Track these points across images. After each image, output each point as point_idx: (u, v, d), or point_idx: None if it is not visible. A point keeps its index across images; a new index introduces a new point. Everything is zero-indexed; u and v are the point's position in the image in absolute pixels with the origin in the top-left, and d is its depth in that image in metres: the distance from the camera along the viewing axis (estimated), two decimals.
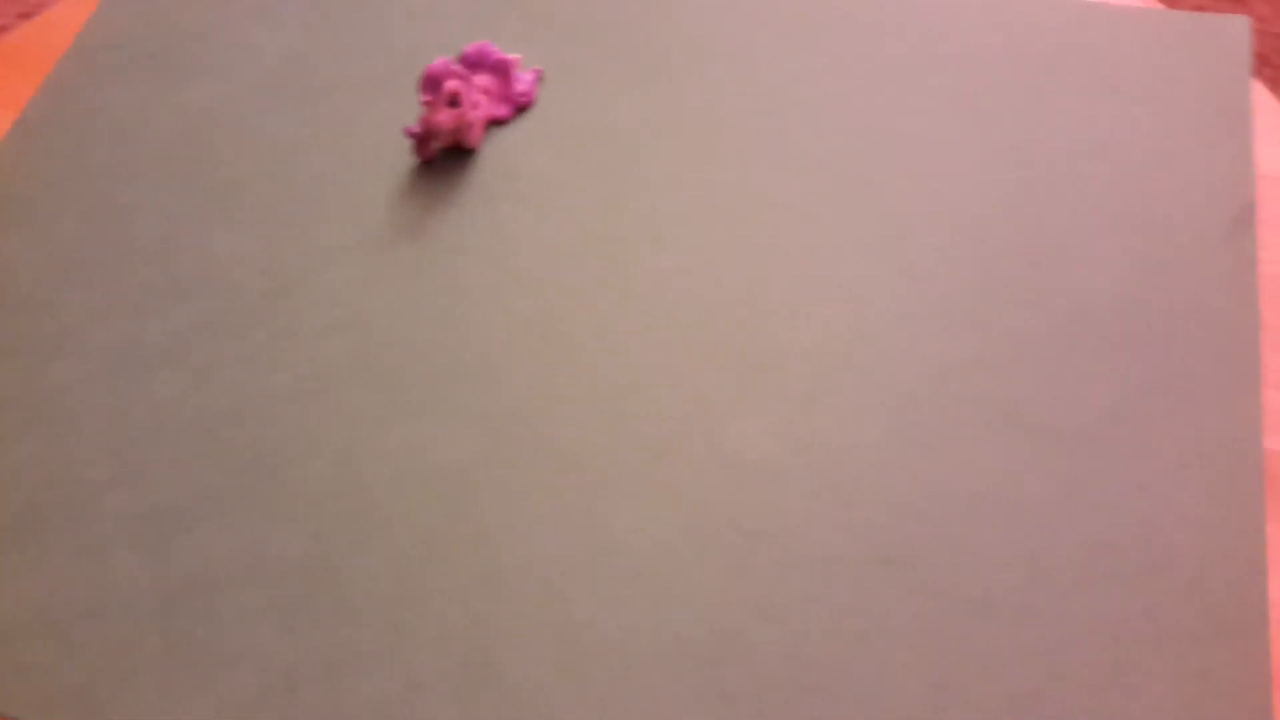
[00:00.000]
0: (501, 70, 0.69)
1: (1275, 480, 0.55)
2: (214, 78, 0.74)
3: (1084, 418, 0.56)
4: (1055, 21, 0.72)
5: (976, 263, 0.62)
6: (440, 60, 0.65)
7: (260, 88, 0.73)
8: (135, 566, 0.54)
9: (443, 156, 0.69)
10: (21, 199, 0.69)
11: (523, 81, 0.70)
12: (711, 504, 0.54)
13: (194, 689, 0.50)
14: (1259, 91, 0.70)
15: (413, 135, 0.67)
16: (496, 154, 0.69)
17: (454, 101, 0.65)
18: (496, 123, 0.70)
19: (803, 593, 0.52)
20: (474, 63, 0.69)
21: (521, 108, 0.70)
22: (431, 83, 0.65)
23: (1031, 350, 0.59)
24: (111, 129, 0.72)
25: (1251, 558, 0.51)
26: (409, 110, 0.71)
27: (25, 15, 1.28)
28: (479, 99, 0.68)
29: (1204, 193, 0.64)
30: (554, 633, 0.51)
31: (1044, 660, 0.49)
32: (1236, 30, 0.71)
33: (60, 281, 0.65)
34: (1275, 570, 0.52)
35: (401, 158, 0.69)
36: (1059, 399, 0.57)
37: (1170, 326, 0.59)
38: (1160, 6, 0.72)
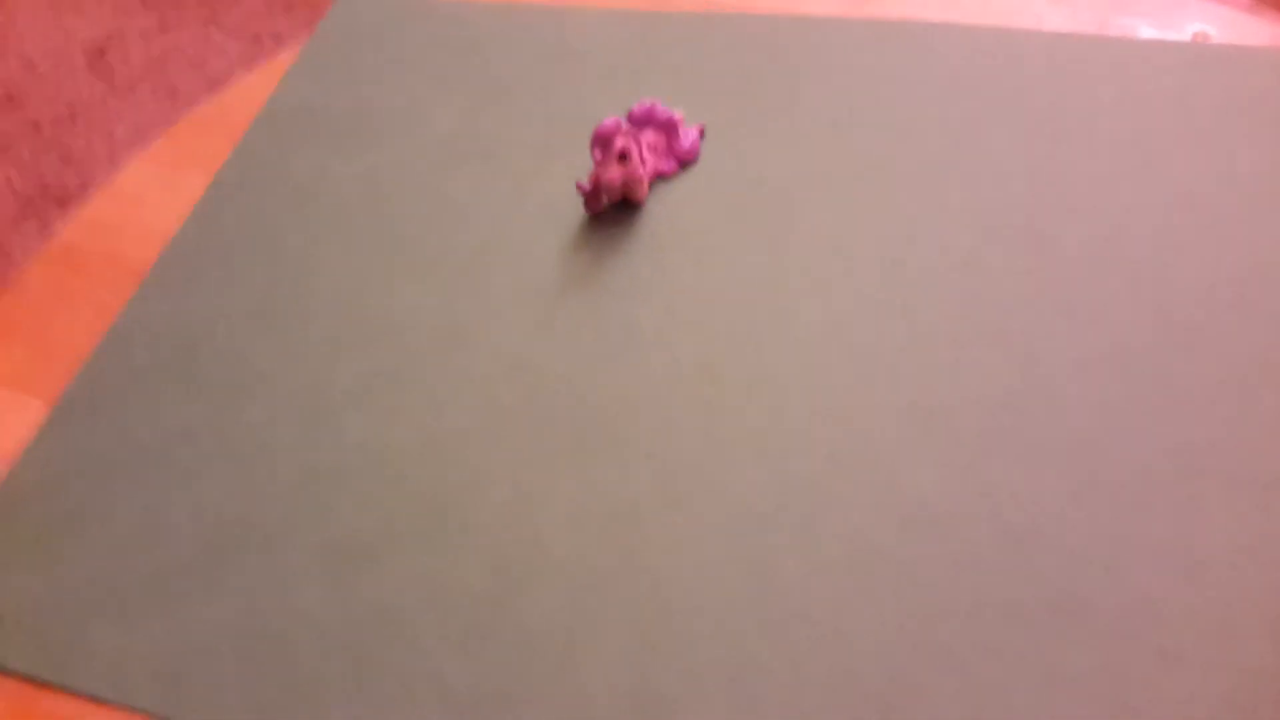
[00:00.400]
0: (668, 128, 0.72)
1: None
2: (392, 143, 0.78)
3: (1271, 467, 0.54)
4: (1220, 70, 0.71)
5: (1156, 309, 0.61)
6: (610, 119, 0.67)
7: (435, 152, 0.77)
8: (322, 596, 0.56)
9: (612, 210, 0.71)
10: (217, 254, 0.74)
11: (687, 138, 0.72)
12: (884, 549, 0.54)
13: (379, 713, 0.52)
14: None
15: (583, 190, 0.69)
16: (662, 206, 0.71)
17: (623, 158, 0.68)
18: (662, 177, 0.72)
19: (982, 641, 0.51)
20: (641, 121, 0.72)
21: (686, 163, 0.72)
22: (602, 140, 0.68)
23: (1216, 398, 0.57)
24: (297, 190, 0.77)
25: None
26: (580, 168, 0.74)
27: (214, 82, 1.36)
28: (647, 155, 0.70)
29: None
30: (724, 671, 0.51)
31: (1233, 712, 0.47)
32: None
33: (253, 330, 0.69)
34: None
35: (572, 212, 0.71)
36: (1244, 448, 0.55)
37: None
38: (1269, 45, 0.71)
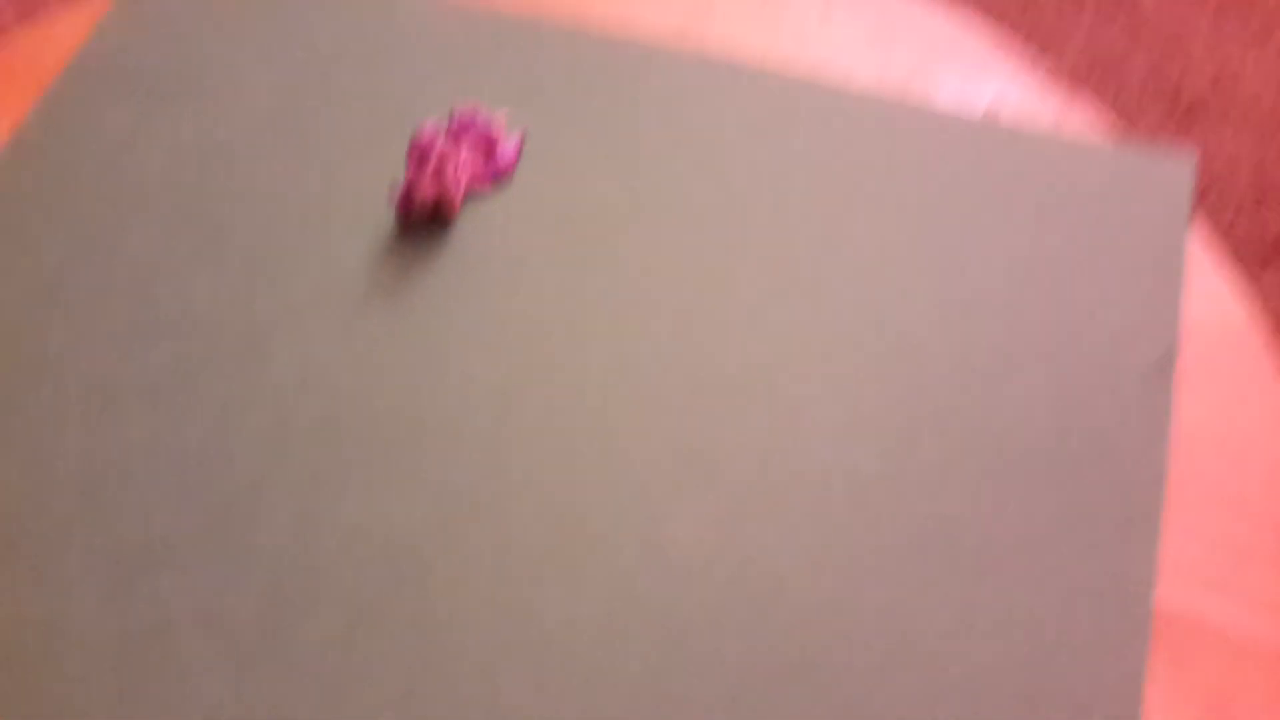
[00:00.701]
0: (487, 143, 0.73)
1: (1161, 631, 0.59)
2: (208, 110, 0.77)
3: (990, 544, 0.61)
4: (1005, 152, 0.76)
5: (906, 383, 0.66)
6: (429, 125, 0.68)
7: (251, 129, 0.76)
8: (95, 607, 0.57)
9: (422, 221, 0.72)
10: (10, 219, 0.72)
11: (505, 154, 0.73)
12: (641, 596, 0.59)
13: None
14: (1195, 235, 0.74)
15: (396, 201, 0.70)
16: (474, 225, 0.72)
17: (438, 173, 0.69)
18: (476, 193, 0.73)
19: (710, 692, 0.56)
20: (462, 129, 0.72)
21: (500, 180, 0.74)
22: (419, 151, 0.68)
23: (946, 473, 0.63)
24: (104, 155, 0.75)
25: (1126, 705, 0.56)
26: (395, 167, 0.74)
27: (25, 14, 1.28)
28: (462, 171, 0.71)
29: (1129, 334, 0.69)
30: (485, 714, 0.55)
31: None
32: (1180, 171, 0.76)
33: (38, 307, 0.68)
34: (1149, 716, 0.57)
35: (383, 216, 0.72)
36: (968, 523, 0.61)
37: (1082, 462, 0.64)
38: (1109, 140, 0.76)
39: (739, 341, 0.68)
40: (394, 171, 0.74)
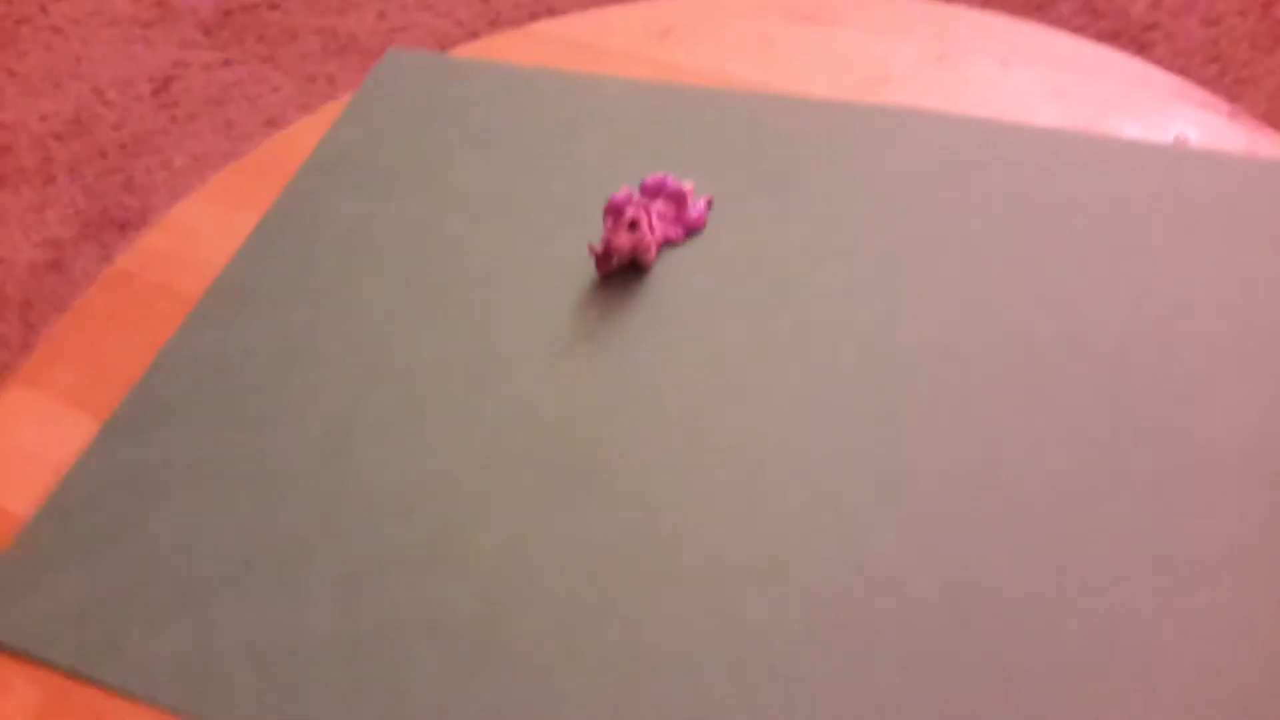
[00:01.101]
0: (677, 199, 0.78)
1: None
2: (428, 195, 0.85)
3: (1203, 552, 0.59)
4: (1197, 176, 0.76)
5: (1107, 398, 0.66)
6: (623, 190, 0.73)
7: (468, 206, 0.84)
8: (331, 613, 0.62)
9: (620, 272, 0.77)
10: (260, 291, 0.80)
11: (695, 209, 0.78)
12: (842, 604, 0.60)
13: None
14: None
15: (595, 253, 0.75)
16: (668, 272, 0.77)
17: (633, 226, 0.74)
18: (670, 244, 0.78)
19: (920, 692, 0.56)
20: (653, 191, 0.78)
21: (692, 231, 0.78)
22: (615, 210, 0.74)
23: (1153, 482, 0.62)
24: (337, 235, 0.83)
25: None
26: (593, 233, 0.80)
27: (271, 122, 1.44)
28: (656, 224, 0.76)
29: None
30: (688, 709, 0.57)
31: None
32: None
33: (286, 365, 0.75)
34: None
35: (584, 273, 0.77)
36: (1177, 531, 0.60)
37: None
38: None
39: (929, 366, 0.69)
40: (593, 236, 0.80)
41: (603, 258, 0.76)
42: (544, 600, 0.62)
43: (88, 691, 0.62)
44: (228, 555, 0.66)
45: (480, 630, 0.61)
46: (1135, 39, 1.51)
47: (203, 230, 0.87)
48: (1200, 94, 0.82)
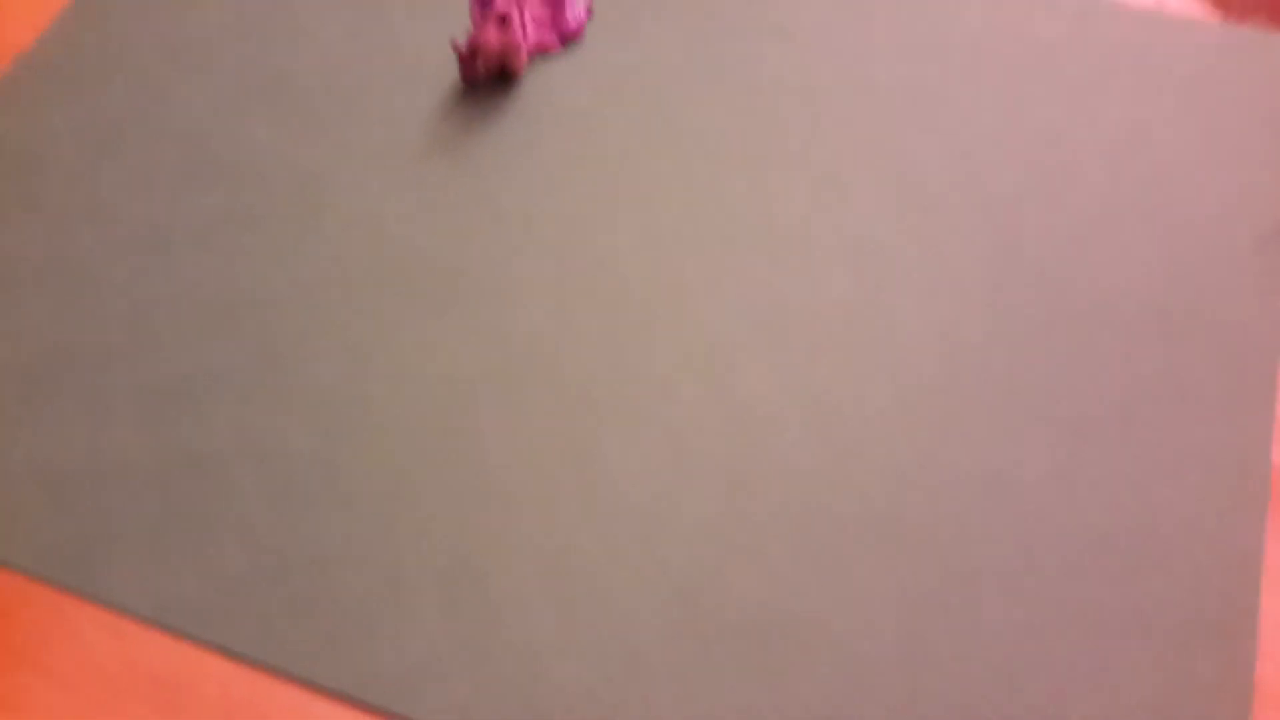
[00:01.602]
0: (554, 2, 0.69)
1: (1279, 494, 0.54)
2: None
3: (1092, 410, 0.56)
4: (1114, 26, 0.72)
5: (1000, 243, 0.62)
6: None
7: None
8: (138, 434, 0.55)
9: (487, 81, 0.69)
10: (73, 71, 0.70)
11: (573, 15, 0.70)
12: (709, 447, 0.55)
13: (182, 556, 0.51)
14: None
15: (459, 51, 0.67)
16: (539, 84, 0.69)
17: (503, 22, 0.66)
18: (544, 53, 0.70)
19: (785, 544, 0.52)
20: None
21: (569, 40, 0.70)
22: (483, 3, 0.65)
23: (1046, 336, 0.59)
24: (164, 16, 0.73)
25: (1245, 565, 0.52)
26: (461, 28, 0.71)
27: None
28: (529, 24, 0.68)
29: (1241, 204, 0.64)
30: (539, 551, 0.52)
31: (1025, 640, 0.49)
32: None
33: (99, 153, 0.66)
34: (1269, 584, 0.52)
35: (446, 74, 0.69)
36: (1069, 388, 0.57)
37: (1190, 329, 0.59)
38: (1221, 23, 0.72)
39: (818, 202, 0.64)
40: (458, 32, 0.71)
41: (468, 58, 0.67)
42: (386, 436, 0.55)
43: None
44: (17, 365, 0.57)
45: (313, 464, 0.54)
46: None
47: (7, 6, 0.75)
48: None
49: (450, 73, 0.69)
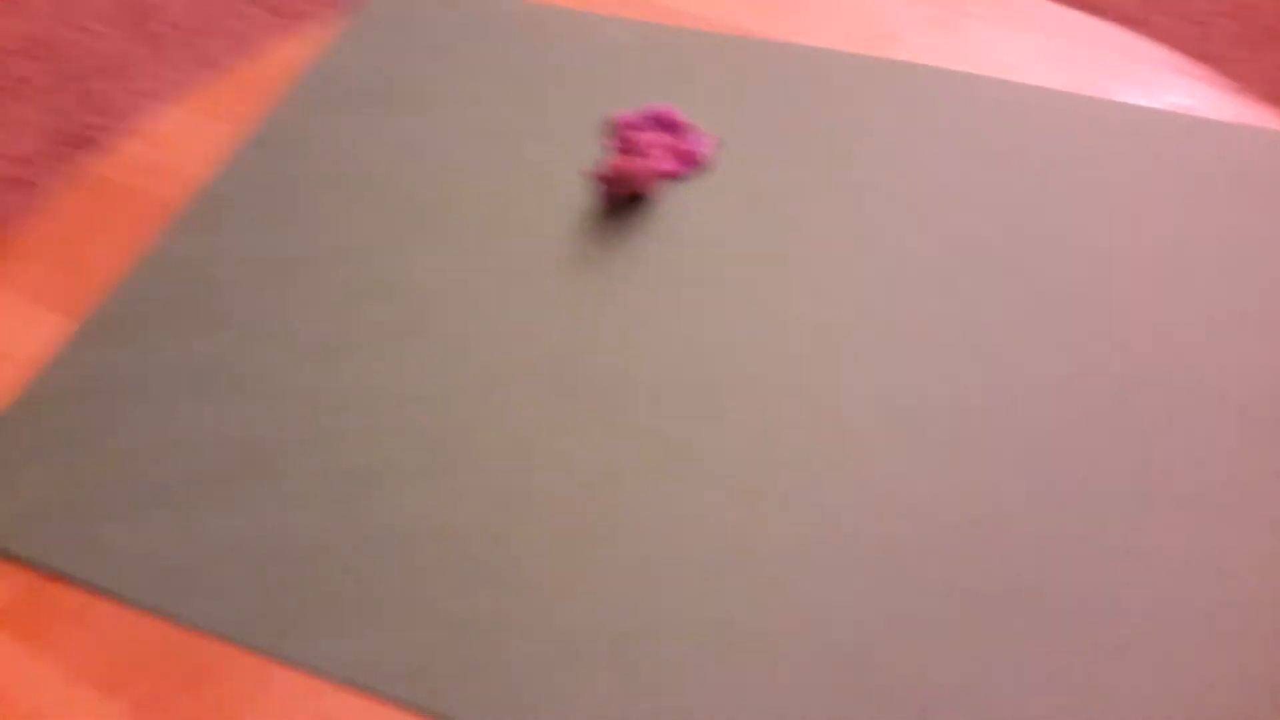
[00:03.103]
0: (681, 131, 0.77)
1: None
2: (424, 117, 0.83)
3: (1219, 489, 0.60)
4: (1205, 139, 0.77)
5: (1126, 346, 0.66)
6: (627, 112, 0.72)
7: (464, 130, 0.82)
8: (324, 516, 0.60)
9: (623, 202, 0.76)
10: (246, 203, 0.78)
11: (698, 142, 0.77)
12: (857, 531, 0.59)
13: (369, 624, 0.56)
14: None
15: (598, 177, 0.74)
16: (670, 203, 0.76)
17: (635, 150, 0.73)
18: (672, 177, 0.77)
19: (935, 615, 0.56)
20: (657, 123, 0.77)
21: (696, 167, 0.77)
22: (616, 130, 0.73)
23: (1166, 422, 0.63)
24: (328, 151, 0.81)
25: None
26: (582, 152, 0.79)
27: (237, 53, 1.40)
28: (659, 153, 0.75)
29: None
30: (701, 623, 0.56)
31: (1171, 704, 0.52)
32: None
33: (273, 274, 0.73)
34: None
35: (586, 198, 0.76)
36: (1196, 469, 0.61)
37: None
38: None
39: (939, 304, 0.69)
40: (582, 155, 0.79)
41: (605, 181, 0.74)
42: (548, 516, 0.60)
43: (61, 589, 0.59)
44: (210, 456, 0.64)
45: (486, 540, 0.59)
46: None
47: (184, 142, 0.84)
48: (1198, 68, 0.84)
49: (589, 200, 0.76)
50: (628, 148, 0.73)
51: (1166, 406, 0.64)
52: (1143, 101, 0.80)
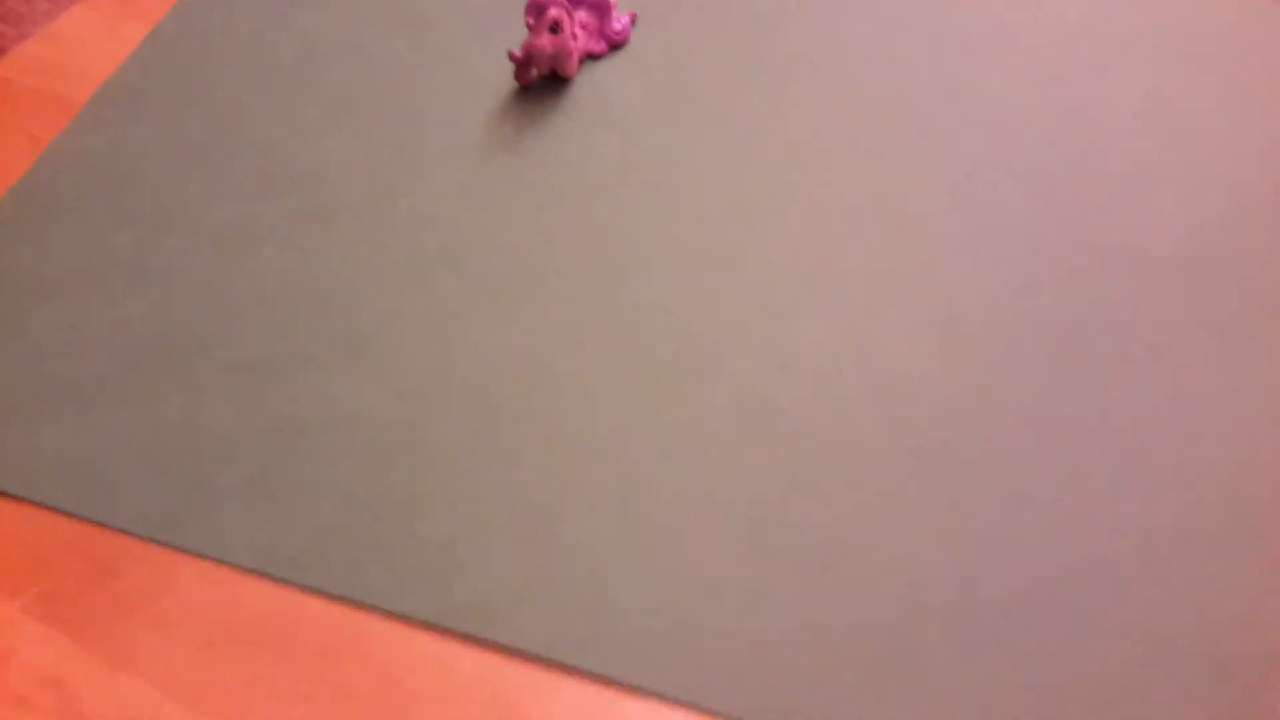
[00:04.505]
0: (600, 8, 0.74)
1: None
2: (334, 6, 0.80)
3: (1126, 348, 0.59)
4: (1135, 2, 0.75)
5: (1033, 207, 0.65)
6: None
7: (374, 16, 0.79)
8: (229, 409, 0.59)
9: (540, 83, 0.73)
10: (152, 95, 0.75)
11: (619, 22, 0.75)
12: (766, 392, 0.58)
13: (277, 512, 0.55)
14: None
15: (514, 59, 0.72)
16: (590, 85, 0.73)
17: (555, 29, 0.70)
18: (592, 56, 0.74)
19: (844, 476, 0.55)
20: (576, 0, 0.74)
21: (616, 45, 0.75)
22: (536, 9, 0.70)
23: (1081, 285, 0.61)
24: (235, 43, 0.78)
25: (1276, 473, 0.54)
26: (514, 41, 0.76)
27: None
28: (578, 31, 0.73)
29: (1261, 158, 0.67)
30: (610, 494, 0.55)
31: (1071, 553, 0.52)
32: None
33: (181, 167, 0.71)
34: None
35: (503, 82, 0.74)
36: (1105, 330, 0.60)
37: (1216, 272, 0.61)
38: None
39: (857, 174, 0.67)
40: (514, 44, 0.76)
41: (523, 63, 0.72)
42: (463, 399, 0.59)
43: None
44: (118, 352, 0.62)
45: (394, 426, 0.58)
46: None
47: (88, 40, 0.81)
48: None
49: (506, 80, 0.74)
50: (551, 24, 0.70)
51: (1080, 263, 0.62)
52: None
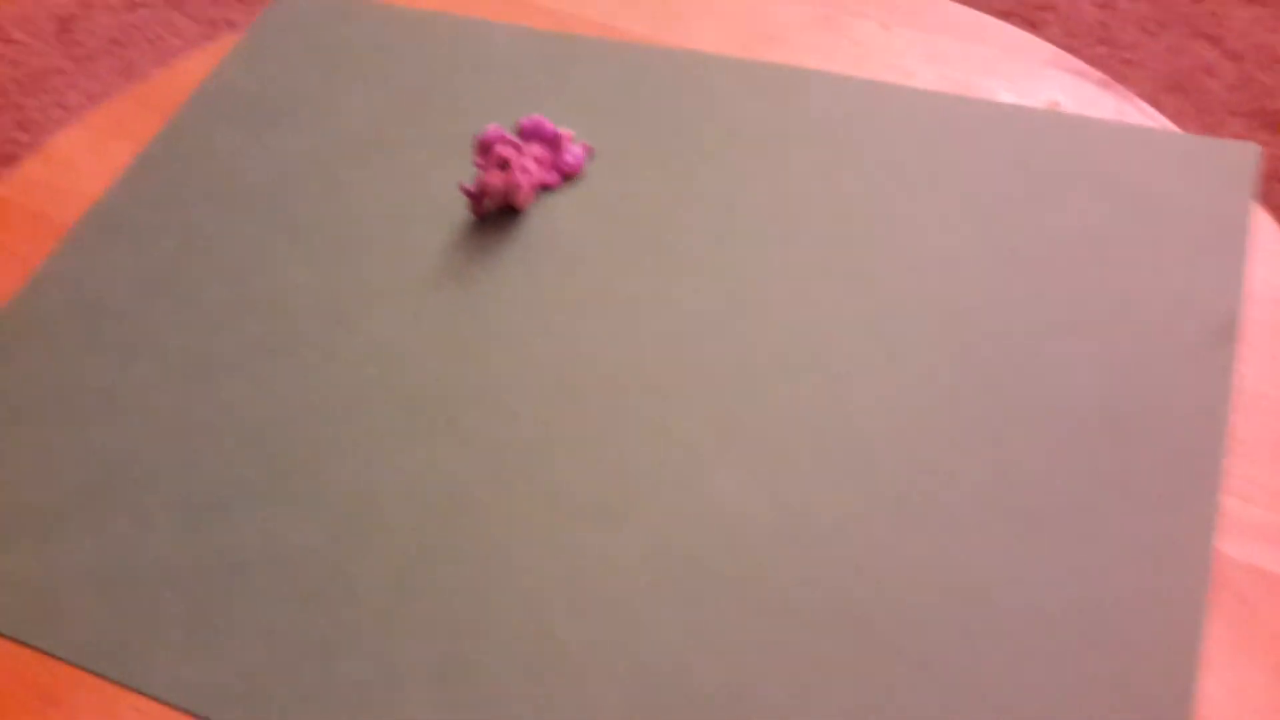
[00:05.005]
0: (553, 142, 0.78)
1: (1223, 584, 0.58)
2: (306, 131, 0.84)
3: (1043, 504, 0.61)
4: (1066, 139, 0.78)
5: (961, 352, 0.67)
6: (493, 127, 0.73)
7: (344, 145, 0.83)
8: (173, 541, 0.62)
9: (494, 215, 0.77)
10: (132, 221, 0.79)
11: (572, 154, 0.78)
12: (684, 547, 0.60)
13: (209, 653, 0.58)
14: (1261, 216, 0.74)
15: (467, 192, 0.75)
16: (542, 216, 0.77)
17: (504, 165, 0.74)
18: (546, 188, 0.78)
19: (754, 633, 0.57)
20: (529, 134, 0.78)
21: (569, 177, 0.78)
22: (484, 148, 0.74)
23: (1003, 434, 0.63)
24: (214, 169, 0.83)
25: (1185, 651, 0.55)
26: (470, 173, 0.80)
27: (161, 63, 1.42)
28: (530, 165, 0.76)
29: (1190, 303, 0.68)
30: (526, 641, 0.57)
31: (968, 716, 0.53)
32: (1245, 155, 0.76)
33: (154, 294, 0.75)
34: (1207, 665, 0.55)
35: (459, 213, 0.77)
36: (1022, 483, 0.61)
37: (1139, 425, 0.63)
38: (1174, 129, 0.77)
39: (788, 319, 0.70)
40: (469, 177, 0.80)
41: (475, 197, 0.75)
42: (389, 537, 0.62)
43: None
44: (76, 480, 0.66)
45: (323, 564, 0.61)
46: (1027, 18, 1.52)
47: (83, 160, 0.86)
48: (1075, 63, 0.84)
49: (462, 213, 0.77)
50: (499, 162, 0.74)
51: (1000, 414, 0.64)
52: (1013, 99, 0.80)
